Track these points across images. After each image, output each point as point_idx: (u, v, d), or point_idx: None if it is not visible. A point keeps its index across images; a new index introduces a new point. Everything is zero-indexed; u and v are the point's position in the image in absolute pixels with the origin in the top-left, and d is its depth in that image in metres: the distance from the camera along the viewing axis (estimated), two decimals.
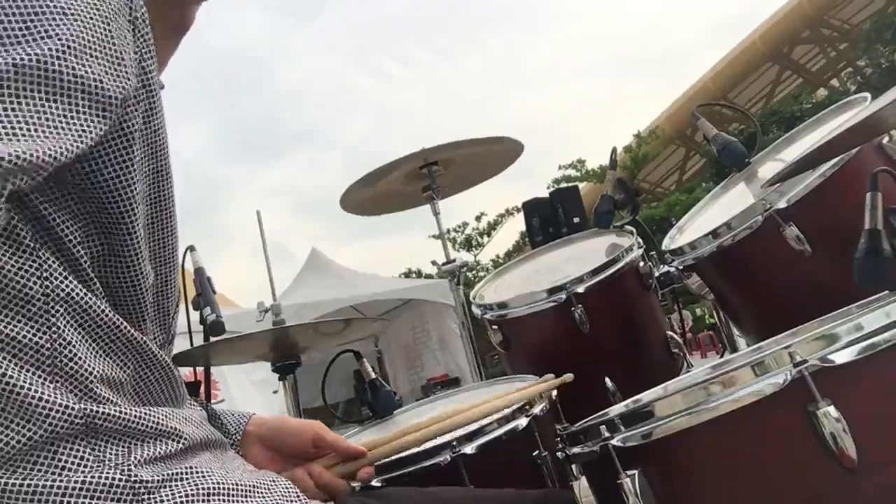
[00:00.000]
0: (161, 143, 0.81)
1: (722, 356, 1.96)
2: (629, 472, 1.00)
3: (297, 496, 0.84)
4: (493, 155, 2.94)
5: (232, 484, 0.78)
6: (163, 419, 0.76)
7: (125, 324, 0.76)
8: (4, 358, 0.65)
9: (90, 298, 0.73)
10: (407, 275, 23.32)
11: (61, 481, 0.67)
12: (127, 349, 0.77)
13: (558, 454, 1.17)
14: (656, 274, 1.87)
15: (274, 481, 0.84)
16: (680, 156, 31.89)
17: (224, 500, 0.75)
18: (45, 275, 0.69)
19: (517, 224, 21.65)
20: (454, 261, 2.94)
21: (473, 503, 1.09)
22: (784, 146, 1.87)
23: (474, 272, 21.18)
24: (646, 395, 1.32)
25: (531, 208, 4.59)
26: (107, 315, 0.74)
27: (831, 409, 0.89)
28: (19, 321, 0.67)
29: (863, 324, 0.93)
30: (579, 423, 1.16)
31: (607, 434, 1.04)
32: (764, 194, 1.51)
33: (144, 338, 0.79)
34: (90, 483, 0.68)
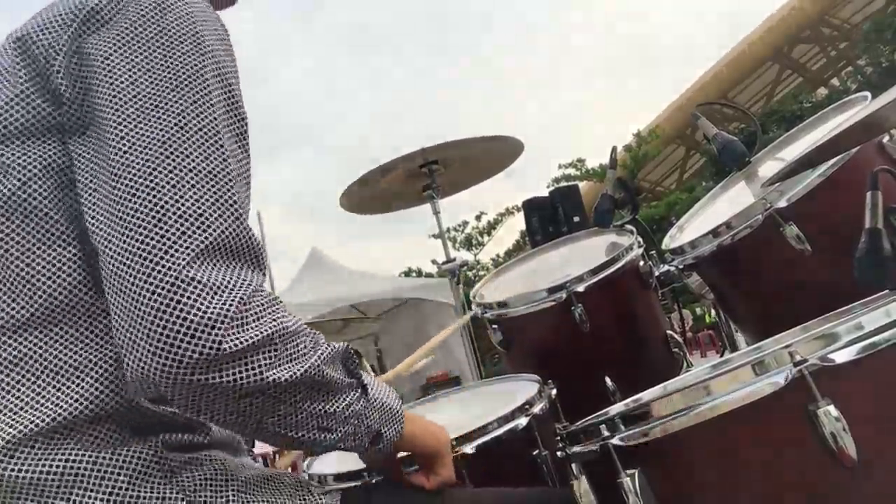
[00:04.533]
0: None
1: (722, 355, 1.96)
2: (629, 472, 1.00)
3: (309, 491, 0.90)
4: (493, 154, 2.94)
5: (247, 475, 0.85)
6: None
7: None
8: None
9: None
10: (407, 274, 23.30)
11: (95, 455, 0.75)
12: None
13: (558, 453, 1.17)
14: (656, 273, 1.87)
15: (286, 476, 0.90)
16: (680, 155, 31.88)
17: (240, 487, 0.82)
18: None
19: (517, 223, 21.66)
20: (454, 260, 2.94)
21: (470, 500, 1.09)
22: (784, 145, 1.87)
23: (474, 271, 21.18)
24: (646, 395, 1.32)
25: (531, 207, 4.57)
26: None
27: (831, 409, 0.88)
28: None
29: (863, 323, 0.93)
30: (579, 423, 1.16)
31: (607, 433, 1.04)
32: (764, 193, 1.51)
33: None
34: (122, 456, 0.76)
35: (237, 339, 0.72)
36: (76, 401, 0.76)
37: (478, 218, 23.33)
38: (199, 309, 0.70)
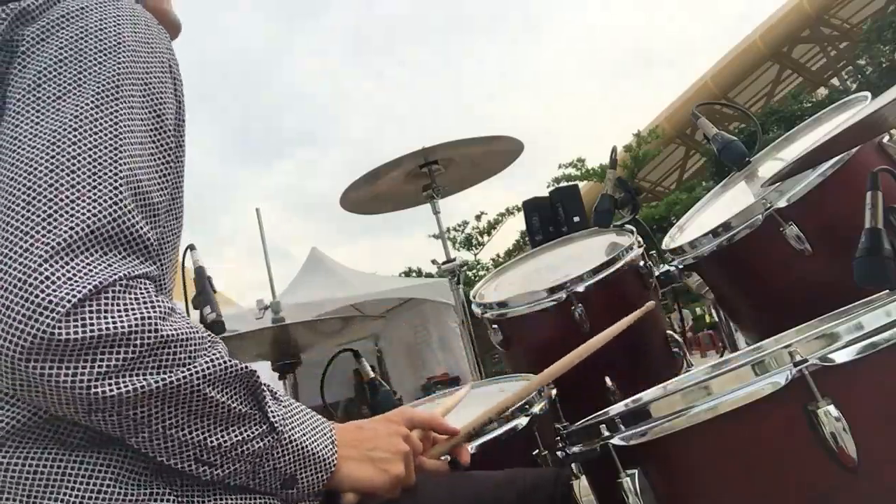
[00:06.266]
0: (182, 170, 0.90)
1: (722, 355, 1.96)
2: (629, 472, 1.00)
3: None
4: (493, 154, 2.94)
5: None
6: None
7: None
8: None
9: None
10: (407, 274, 23.32)
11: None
12: None
13: (558, 453, 1.17)
14: (656, 273, 1.87)
15: None
16: (680, 155, 31.90)
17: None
18: None
19: (517, 223, 21.70)
20: (454, 260, 2.94)
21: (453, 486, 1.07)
22: (784, 145, 1.87)
23: (474, 271, 21.18)
24: (646, 395, 1.32)
25: (531, 207, 4.57)
26: None
27: (831, 409, 0.89)
28: None
29: (863, 323, 0.93)
30: (579, 423, 1.16)
31: (607, 433, 1.04)
32: (764, 193, 1.51)
33: None
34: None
35: (77, 327, 0.66)
36: None
37: (478, 218, 23.35)
38: (43, 292, 0.66)
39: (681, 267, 1.74)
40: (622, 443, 1.02)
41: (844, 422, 0.88)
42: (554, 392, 1.49)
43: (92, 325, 0.67)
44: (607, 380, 1.76)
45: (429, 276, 19.69)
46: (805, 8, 25.56)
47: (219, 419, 0.76)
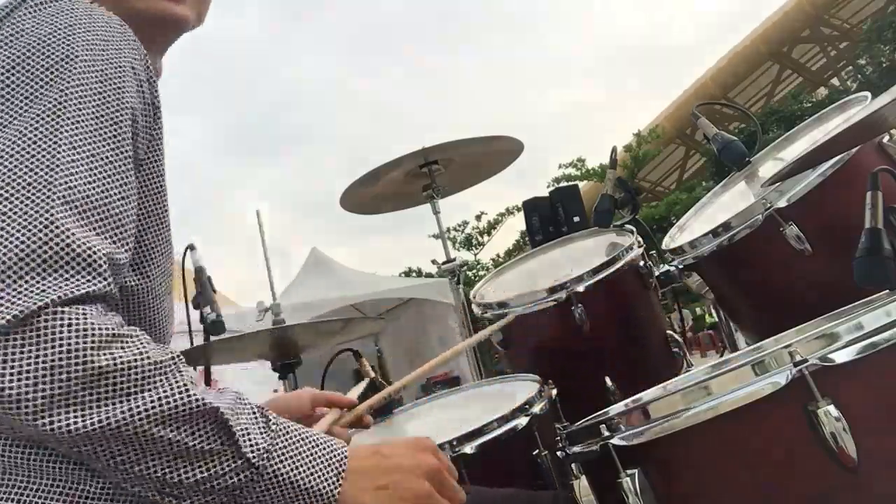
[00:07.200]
0: (161, 172, 0.89)
1: (722, 355, 1.96)
2: (629, 471, 1.00)
3: None
4: (493, 154, 2.94)
5: None
6: None
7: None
8: None
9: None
10: (407, 274, 23.31)
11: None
12: None
13: (558, 453, 1.17)
14: (656, 273, 1.87)
15: None
16: (680, 155, 31.92)
17: None
18: None
19: (517, 223, 21.69)
20: (454, 260, 2.94)
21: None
22: (784, 145, 1.87)
23: (474, 271, 21.19)
24: (646, 395, 1.32)
25: (531, 207, 4.56)
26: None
27: (831, 409, 0.89)
28: None
29: (863, 323, 0.93)
30: (579, 422, 1.16)
31: (607, 433, 1.04)
32: (764, 193, 1.51)
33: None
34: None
35: (5, 364, 0.64)
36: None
37: (478, 218, 23.35)
38: None
39: (681, 267, 1.74)
40: (622, 443, 1.02)
41: (844, 422, 0.88)
42: (554, 392, 1.49)
43: (18, 359, 0.65)
44: (607, 380, 1.76)
45: (429, 276, 19.67)
46: (805, 8, 25.58)
47: (177, 457, 0.72)
